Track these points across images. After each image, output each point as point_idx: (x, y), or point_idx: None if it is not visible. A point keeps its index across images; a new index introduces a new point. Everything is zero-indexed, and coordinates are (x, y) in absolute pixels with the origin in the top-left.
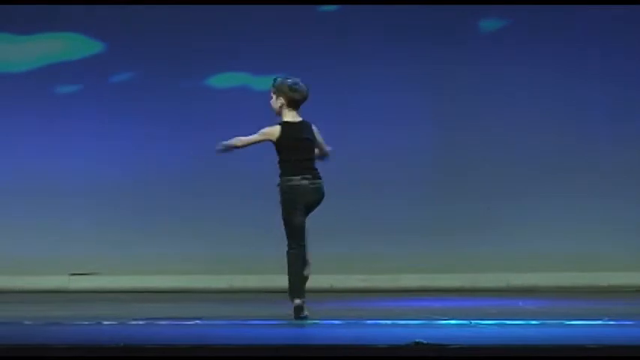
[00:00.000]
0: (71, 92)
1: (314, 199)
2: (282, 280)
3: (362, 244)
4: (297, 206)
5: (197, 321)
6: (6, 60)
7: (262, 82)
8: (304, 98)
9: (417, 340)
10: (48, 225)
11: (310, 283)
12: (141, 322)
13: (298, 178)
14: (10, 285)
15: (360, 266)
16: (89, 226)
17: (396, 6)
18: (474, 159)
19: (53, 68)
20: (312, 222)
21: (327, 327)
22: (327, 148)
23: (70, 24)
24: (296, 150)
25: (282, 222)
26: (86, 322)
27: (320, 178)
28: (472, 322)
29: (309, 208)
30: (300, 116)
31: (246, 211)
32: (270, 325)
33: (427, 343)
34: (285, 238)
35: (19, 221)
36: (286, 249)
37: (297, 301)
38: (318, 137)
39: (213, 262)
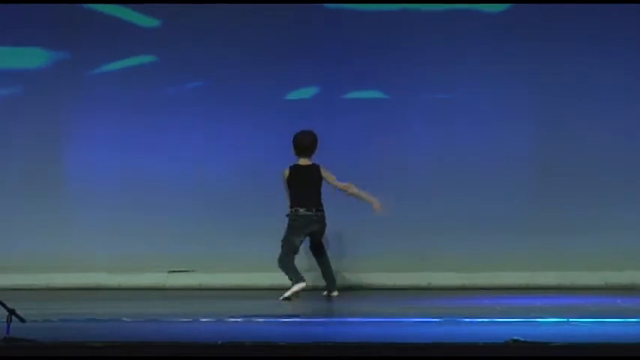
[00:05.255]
0: (177, 93)
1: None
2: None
3: (460, 243)
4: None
5: (296, 318)
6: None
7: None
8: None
9: (514, 338)
10: (147, 223)
11: (408, 281)
12: (239, 320)
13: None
14: (108, 282)
15: (458, 264)
16: (187, 224)
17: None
18: (572, 159)
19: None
20: (413, 221)
21: (425, 325)
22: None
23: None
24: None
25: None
26: (184, 319)
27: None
28: (570, 319)
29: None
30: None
31: (351, 210)
32: (366, 323)
33: (525, 341)
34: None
35: (120, 219)
36: None
37: None
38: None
39: (312, 259)
